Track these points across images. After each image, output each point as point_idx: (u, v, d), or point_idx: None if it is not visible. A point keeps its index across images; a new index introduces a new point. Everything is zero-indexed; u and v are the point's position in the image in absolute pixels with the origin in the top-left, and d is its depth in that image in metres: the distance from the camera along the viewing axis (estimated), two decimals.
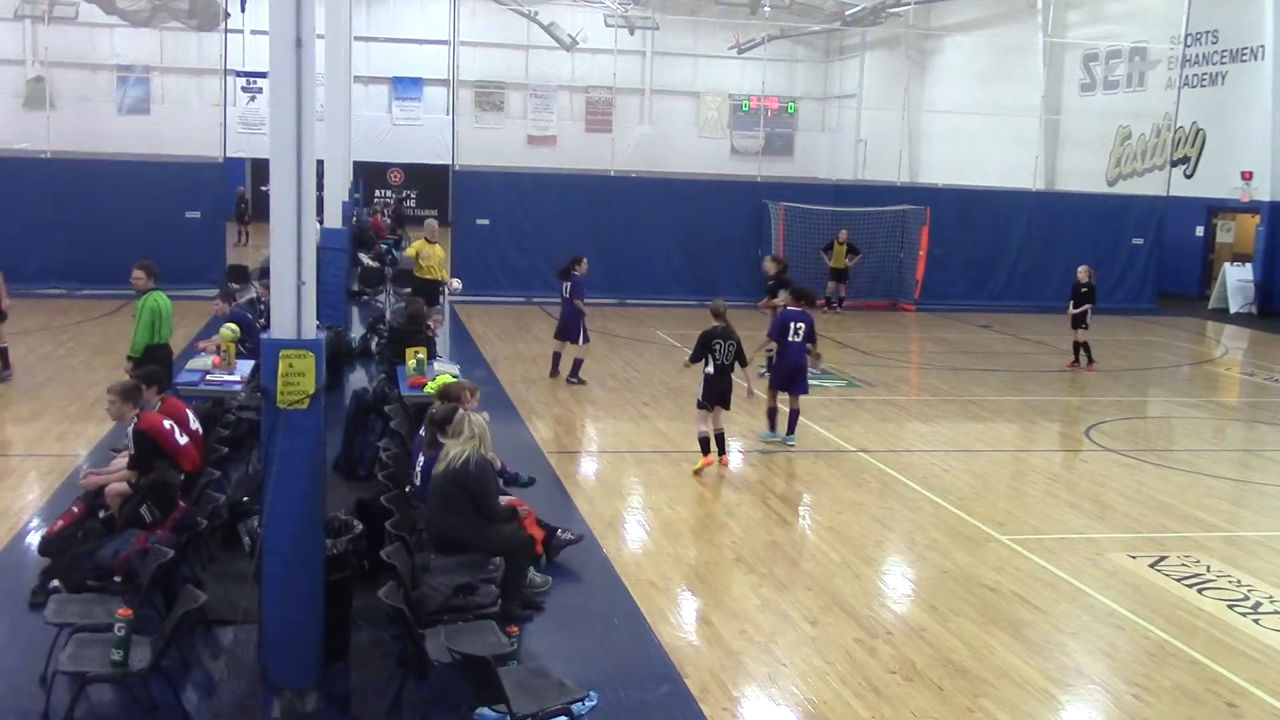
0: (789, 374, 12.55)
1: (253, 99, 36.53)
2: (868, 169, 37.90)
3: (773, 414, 12.79)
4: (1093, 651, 7.66)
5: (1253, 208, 27.12)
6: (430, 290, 17.73)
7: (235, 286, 16.15)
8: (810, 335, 12.54)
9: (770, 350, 13.48)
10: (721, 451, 11.57)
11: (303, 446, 6.38)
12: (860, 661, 7.31)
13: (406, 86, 41.11)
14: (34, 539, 8.52)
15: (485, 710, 6.02)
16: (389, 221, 32.75)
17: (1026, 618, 8.14)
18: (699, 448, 11.51)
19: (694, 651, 7.39)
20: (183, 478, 8.11)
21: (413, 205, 42.26)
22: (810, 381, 12.99)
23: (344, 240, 19.79)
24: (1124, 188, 29.36)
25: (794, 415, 12.70)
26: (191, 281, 19.84)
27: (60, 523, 7.95)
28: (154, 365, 9.56)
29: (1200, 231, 28.67)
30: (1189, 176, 28.54)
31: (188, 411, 8.89)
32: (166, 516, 7.57)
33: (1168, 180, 27.26)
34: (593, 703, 6.39)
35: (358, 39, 32.09)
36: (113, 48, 35.98)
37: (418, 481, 8.29)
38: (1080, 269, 18.53)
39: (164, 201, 22.06)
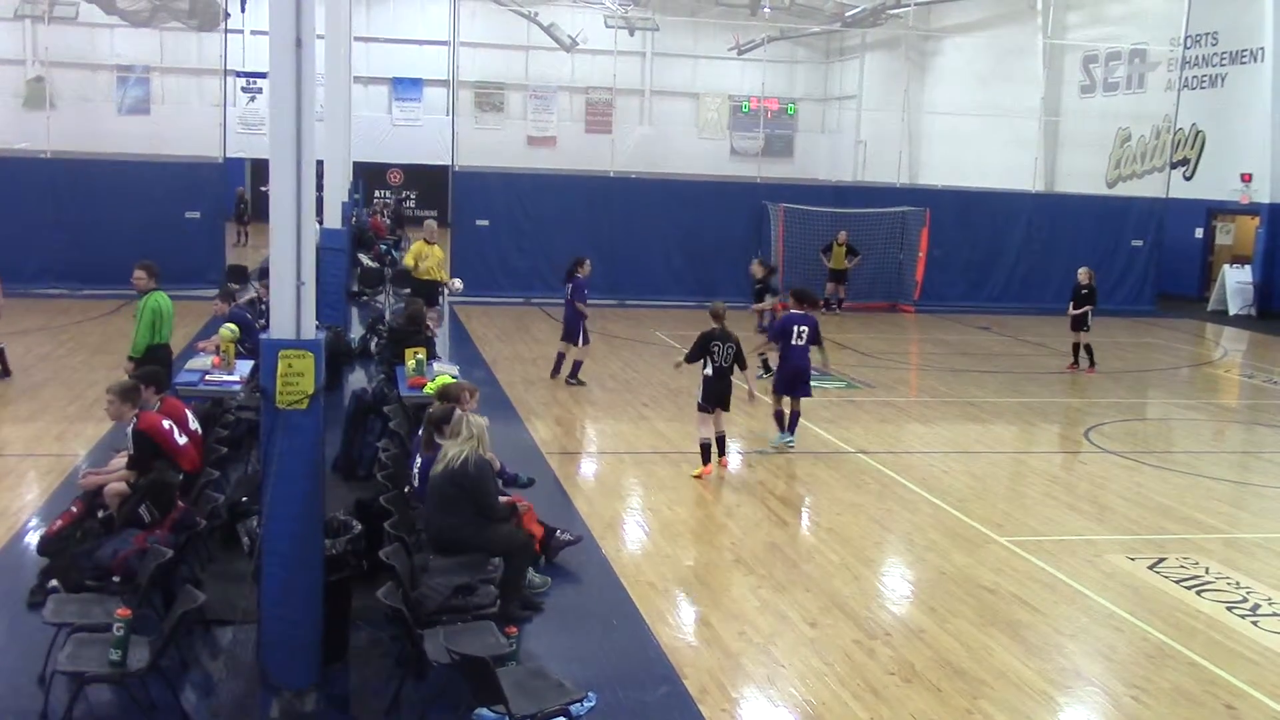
0: (791, 377, 12.48)
1: (253, 99, 36.54)
2: (867, 170, 37.93)
3: (779, 416, 12.72)
4: (1091, 653, 7.66)
5: (1252, 210, 27.11)
6: (429, 291, 17.73)
7: (235, 287, 16.13)
8: (815, 338, 12.47)
9: (764, 352, 13.47)
10: (721, 452, 11.57)
11: (302, 447, 6.39)
12: (859, 663, 7.31)
13: (406, 87, 41.10)
14: (33, 539, 8.54)
15: (484, 711, 6.02)
16: (388, 222, 32.72)
17: (1025, 619, 8.15)
18: (699, 453, 11.45)
19: (693, 652, 7.39)
20: (182, 478, 8.12)
21: (412, 206, 42.20)
22: (810, 383, 12.95)
23: (344, 241, 19.80)
24: (1123, 189, 29.37)
25: (795, 416, 12.66)
26: (191, 282, 19.84)
27: (59, 522, 7.97)
28: (154, 365, 9.58)
29: (1200, 233, 28.64)
30: (1188, 178, 28.53)
31: (187, 411, 8.91)
32: (165, 516, 7.57)
33: (1167, 182, 27.29)
34: (591, 703, 6.39)
35: (358, 39, 32.12)
36: (113, 48, 36.01)
37: (416, 482, 8.30)
38: (1080, 271, 18.53)
39: (164, 201, 22.07)
